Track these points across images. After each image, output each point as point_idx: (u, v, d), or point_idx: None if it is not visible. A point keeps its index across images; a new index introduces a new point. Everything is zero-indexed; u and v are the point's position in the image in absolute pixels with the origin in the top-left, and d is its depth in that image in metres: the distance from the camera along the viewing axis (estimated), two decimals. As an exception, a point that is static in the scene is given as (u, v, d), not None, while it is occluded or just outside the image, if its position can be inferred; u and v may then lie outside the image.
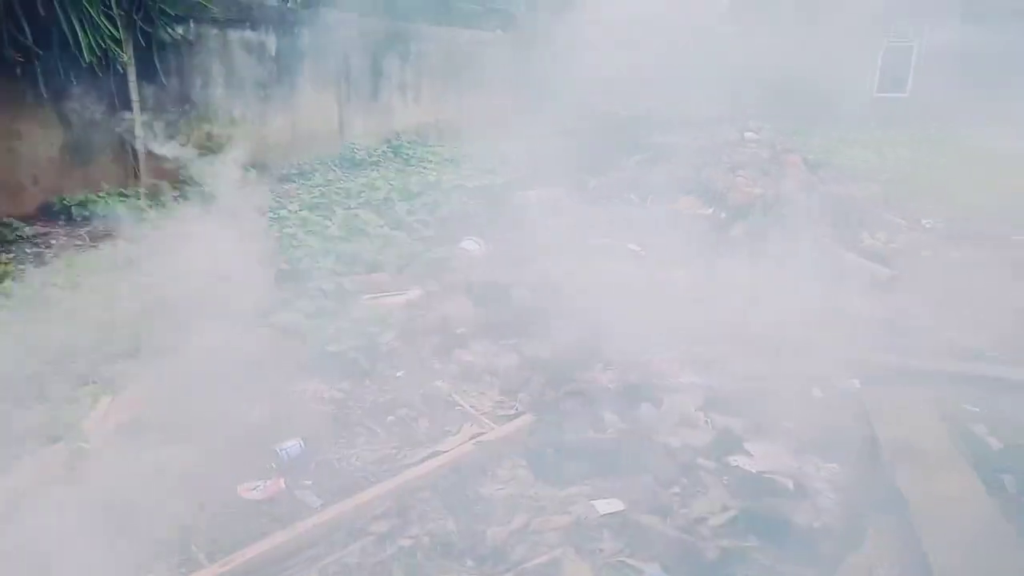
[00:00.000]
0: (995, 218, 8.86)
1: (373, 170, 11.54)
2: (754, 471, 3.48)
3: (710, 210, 7.47)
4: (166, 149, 8.30)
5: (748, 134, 8.88)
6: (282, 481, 3.25)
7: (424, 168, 11.47)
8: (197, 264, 5.24)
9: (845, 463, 3.45)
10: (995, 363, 4.65)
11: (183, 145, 8.87)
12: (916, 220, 8.83)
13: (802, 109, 16.42)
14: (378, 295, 5.47)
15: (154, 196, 8.40)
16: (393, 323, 4.97)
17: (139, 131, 8.79)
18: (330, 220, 7.72)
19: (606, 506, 3.13)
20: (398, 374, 4.47)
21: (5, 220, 7.32)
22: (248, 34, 10.55)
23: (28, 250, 6.88)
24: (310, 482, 3.34)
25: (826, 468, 3.51)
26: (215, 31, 9.96)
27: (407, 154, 13.16)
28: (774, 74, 17.72)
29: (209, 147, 9.49)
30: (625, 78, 11.74)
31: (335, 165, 11.60)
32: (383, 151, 13.06)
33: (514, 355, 4.70)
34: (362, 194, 9.19)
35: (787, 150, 8.97)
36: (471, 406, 4.12)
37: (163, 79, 9.12)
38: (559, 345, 4.73)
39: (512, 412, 4.07)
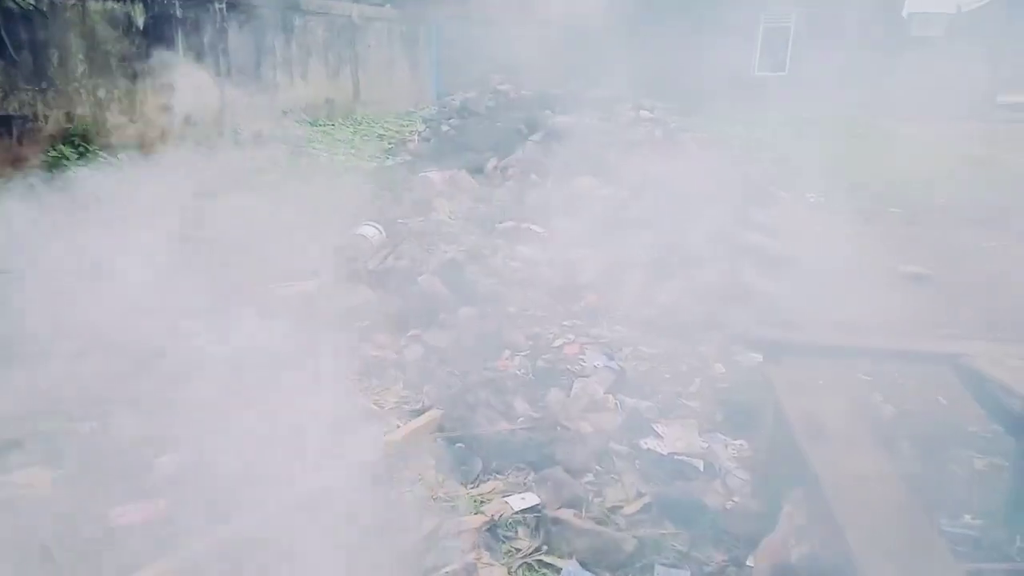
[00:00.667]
0: (876, 193, 9.41)
1: (259, 152, 10.87)
2: (665, 453, 3.47)
3: (609, 190, 7.48)
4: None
5: (643, 112, 8.97)
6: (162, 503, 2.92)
7: (315, 149, 10.92)
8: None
9: (753, 440, 3.49)
10: (881, 335, 4.88)
11: (38, 129, 7.98)
12: (802, 195, 9.25)
13: (689, 88, 16.84)
14: (270, 286, 5.10)
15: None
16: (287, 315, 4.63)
17: (-17, 112, 7.84)
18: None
19: (520, 502, 3.01)
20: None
21: None
22: (112, 4, 9.61)
23: None
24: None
25: (734, 446, 3.55)
26: (72, 1, 8.99)
27: (296, 134, 12.51)
28: (664, 54, 18.20)
29: (71, 131, 8.61)
30: (522, 56, 11.61)
31: (217, 147, 10.84)
32: (270, 131, 12.34)
33: (419, 346, 4.49)
34: (248, 179, 8.61)
35: (680, 129, 9.13)
36: (375, 403, 3.90)
37: (12, 53, 8.15)
38: (465, 333, 4.57)
39: (418, 407, 3.87)
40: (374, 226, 6.38)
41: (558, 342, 4.63)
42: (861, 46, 20.61)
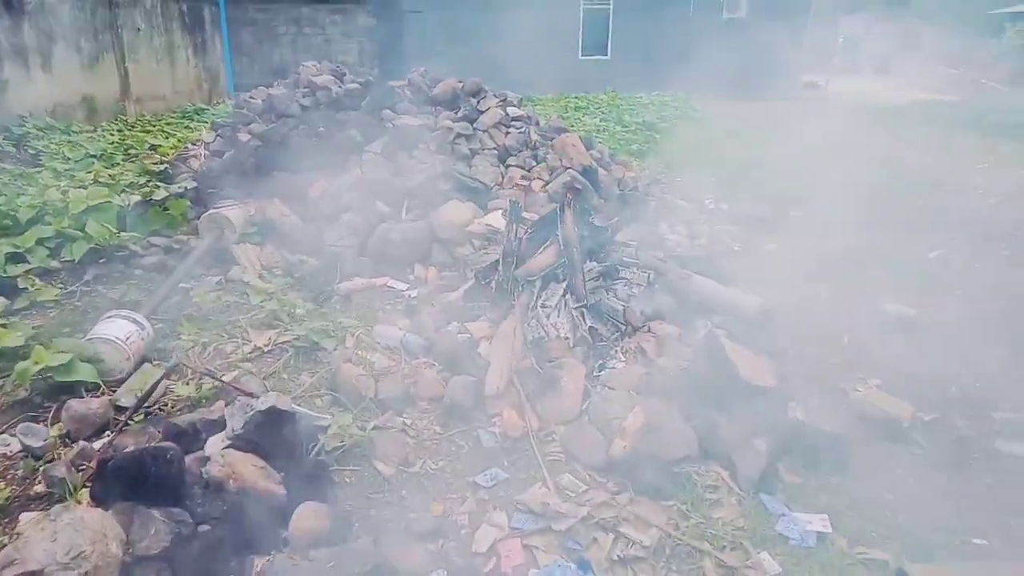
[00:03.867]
0: (760, 194, 8.18)
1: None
2: None
3: (484, 221, 5.42)
4: None
5: (512, 109, 6.99)
6: None
7: (58, 170, 7.69)
8: None
9: None
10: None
11: None
12: (698, 201, 7.81)
13: (518, 74, 15.22)
14: None
15: None
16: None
17: None
18: None
19: None
20: None
21: None
22: None
23: None
24: None
25: None
26: None
27: (34, 147, 9.07)
28: (489, 38, 16.67)
29: None
30: (336, 43, 9.11)
31: None
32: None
33: None
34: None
35: (559, 128, 7.26)
36: None
37: None
38: None
39: None
40: (132, 318, 3.83)
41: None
42: (677, 28, 20.55)
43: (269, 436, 2.68)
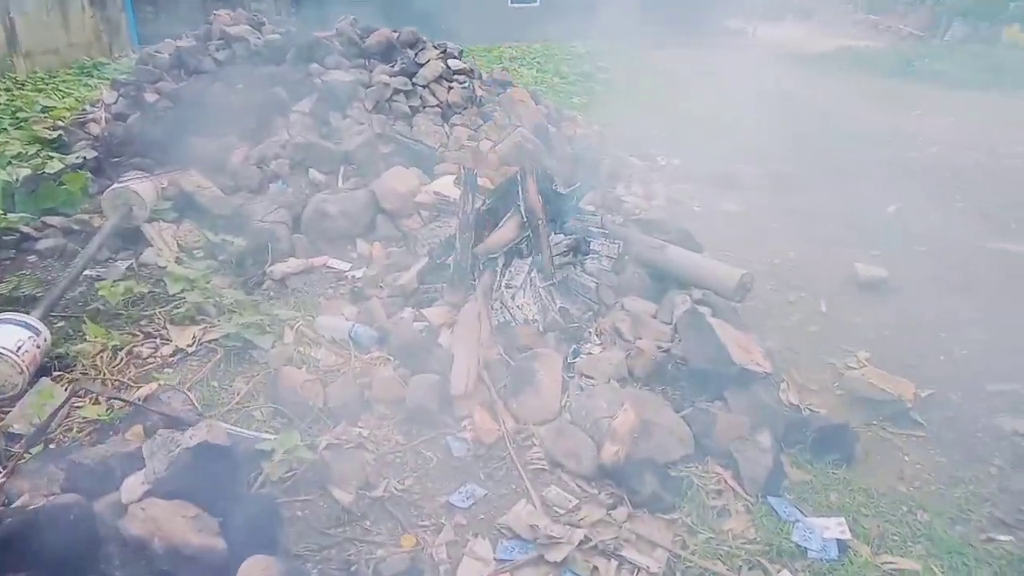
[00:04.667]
0: (709, 148, 7.91)
1: None
2: None
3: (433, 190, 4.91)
4: None
5: (453, 62, 6.38)
6: None
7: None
8: None
9: None
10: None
11: None
12: (650, 157, 7.46)
13: (446, 22, 14.46)
14: None
15: None
16: None
17: None
18: None
19: None
20: None
21: None
22: None
23: None
24: None
25: None
26: None
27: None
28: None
29: None
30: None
31: None
32: None
33: None
34: None
35: (505, 82, 6.72)
36: None
37: None
38: None
39: None
40: (20, 325, 3.20)
41: None
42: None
43: (201, 477, 2.20)
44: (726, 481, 2.71)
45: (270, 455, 2.53)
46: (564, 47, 17.01)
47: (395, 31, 6.65)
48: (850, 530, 2.47)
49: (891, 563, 2.34)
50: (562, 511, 2.58)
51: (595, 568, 2.33)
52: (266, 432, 2.82)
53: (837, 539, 2.43)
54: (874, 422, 3.13)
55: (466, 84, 6.33)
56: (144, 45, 10.04)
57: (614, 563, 2.35)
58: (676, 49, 17.01)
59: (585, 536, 2.42)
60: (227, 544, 2.12)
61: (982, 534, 2.50)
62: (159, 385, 3.04)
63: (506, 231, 3.85)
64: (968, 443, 3.02)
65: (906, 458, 2.91)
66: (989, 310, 4.26)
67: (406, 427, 3.00)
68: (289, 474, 2.55)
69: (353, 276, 4.31)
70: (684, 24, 19.10)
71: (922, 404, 3.21)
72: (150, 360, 3.38)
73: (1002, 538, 2.47)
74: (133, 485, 2.26)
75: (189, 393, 3.01)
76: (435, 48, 6.52)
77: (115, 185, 4.77)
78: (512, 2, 21.32)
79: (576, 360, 3.42)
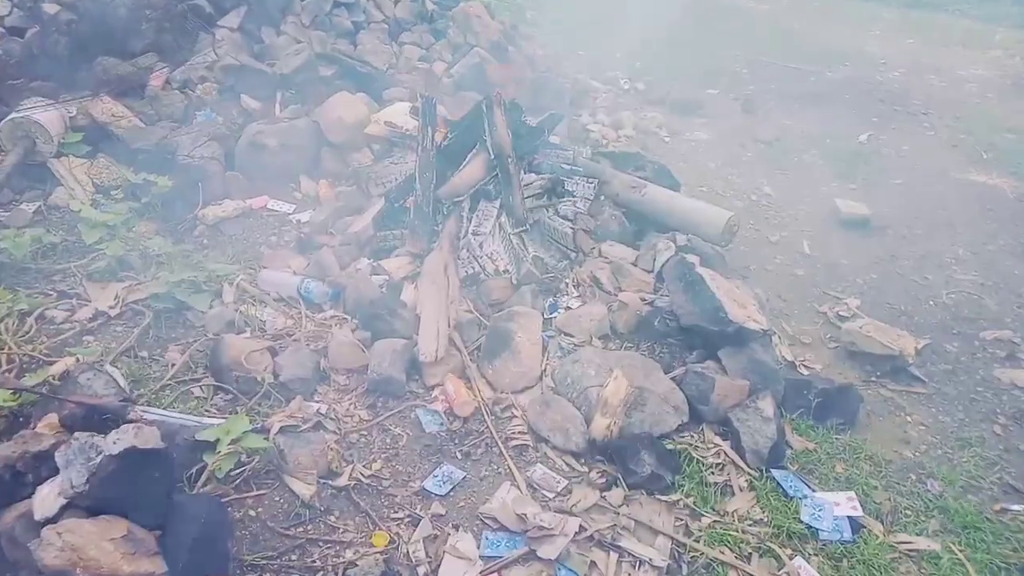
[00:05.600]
0: (669, 70, 7.49)
1: None
2: None
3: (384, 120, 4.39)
4: None
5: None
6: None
7: None
8: None
9: None
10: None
11: None
12: (612, 81, 7.00)
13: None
14: None
15: None
16: None
17: None
18: None
19: None
20: None
21: None
22: None
23: None
24: None
25: None
26: None
27: None
28: None
29: None
30: None
31: None
32: None
33: None
34: None
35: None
36: None
37: None
38: None
39: None
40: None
41: None
42: None
43: (129, 485, 1.83)
44: (725, 453, 2.49)
45: (214, 447, 2.17)
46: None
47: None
48: (861, 505, 2.30)
49: (908, 543, 2.18)
50: (551, 494, 2.33)
51: (593, 563, 2.10)
52: (208, 414, 2.44)
53: (849, 516, 2.25)
54: (872, 379, 2.95)
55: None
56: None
57: (613, 556, 2.12)
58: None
59: (580, 526, 2.17)
60: (168, 565, 1.78)
61: (996, 503, 2.37)
62: (77, 360, 2.60)
63: (472, 170, 3.43)
64: (969, 399, 2.88)
65: (909, 419, 2.75)
66: (970, 248, 4.12)
67: (370, 400, 2.66)
68: (240, 469, 2.20)
69: (298, 220, 3.85)
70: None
71: (919, 356, 3.05)
72: (65, 326, 2.90)
73: (1016, 507, 2.34)
74: (48, 497, 1.88)
75: (113, 369, 2.58)
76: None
77: (13, 114, 4.09)
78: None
79: (554, 315, 3.12)
